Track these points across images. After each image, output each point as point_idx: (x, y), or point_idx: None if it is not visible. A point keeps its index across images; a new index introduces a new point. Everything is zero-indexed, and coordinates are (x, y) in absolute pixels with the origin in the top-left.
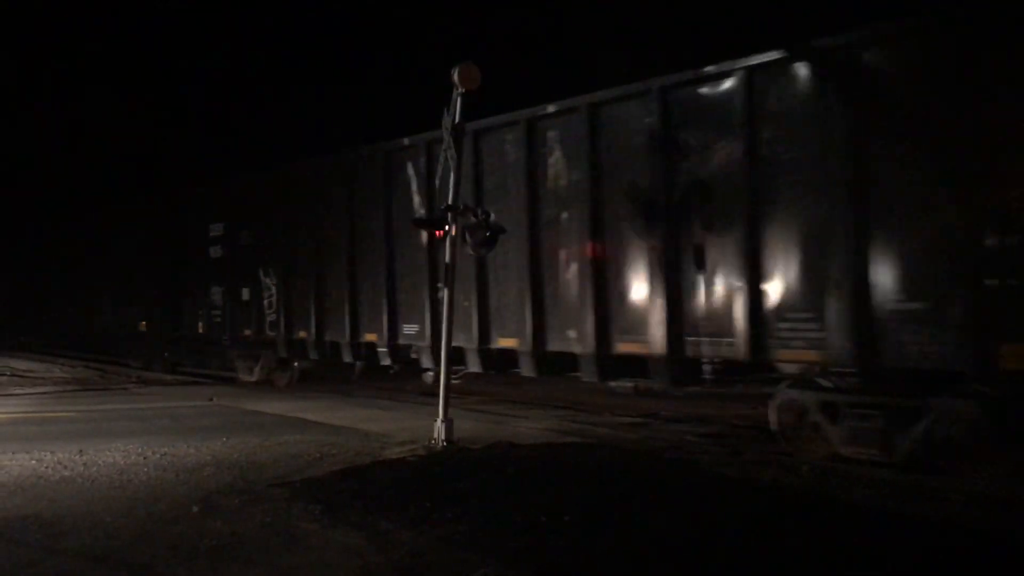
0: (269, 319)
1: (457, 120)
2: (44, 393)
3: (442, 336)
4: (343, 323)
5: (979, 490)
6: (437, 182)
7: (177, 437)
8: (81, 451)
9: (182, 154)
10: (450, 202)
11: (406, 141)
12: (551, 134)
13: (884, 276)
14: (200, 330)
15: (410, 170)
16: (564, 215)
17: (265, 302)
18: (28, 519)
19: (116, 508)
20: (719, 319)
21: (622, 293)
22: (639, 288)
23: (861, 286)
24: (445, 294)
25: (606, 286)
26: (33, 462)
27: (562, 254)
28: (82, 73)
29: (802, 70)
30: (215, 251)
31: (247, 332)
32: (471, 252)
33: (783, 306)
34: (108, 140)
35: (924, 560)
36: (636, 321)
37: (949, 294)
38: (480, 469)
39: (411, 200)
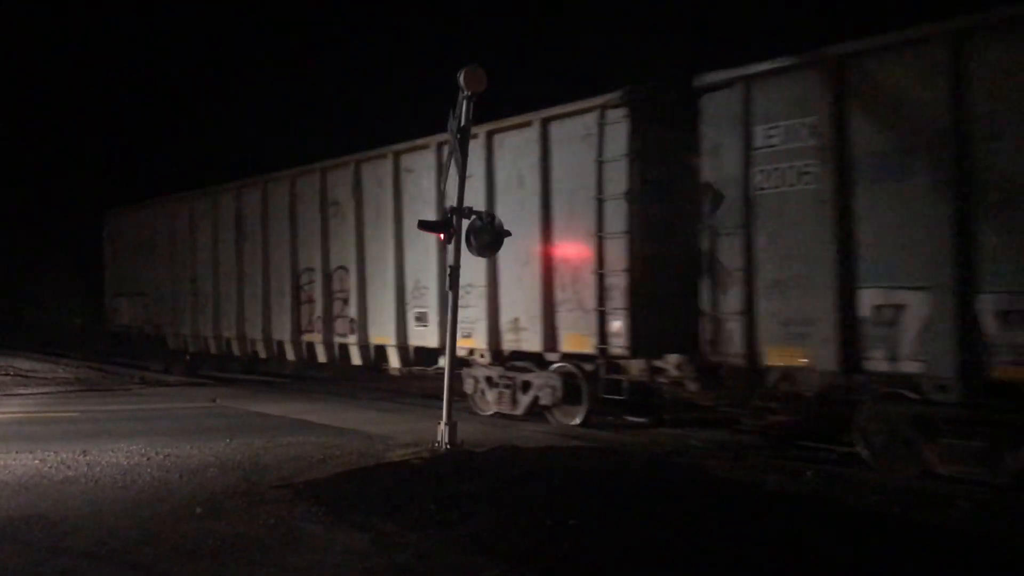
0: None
1: (463, 123)
2: (47, 393)
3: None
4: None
5: (987, 497)
6: (443, 184)
7: (180, 438)
8: (85, 451)
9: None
10: (455, 204)
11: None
12: None
13: None
14: None
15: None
16: None
17: None
18: (32, 519)
19: (120, 508)
20: None
21: None
22: None
23: None
24: (450, 297)
25: None
26: (37, 462)
27: None
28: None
29: None
30: None
31: None
32: (475, 255)
33: None
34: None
35: (931, 567)
36: None
37: None
38: (484, 472)
39: None
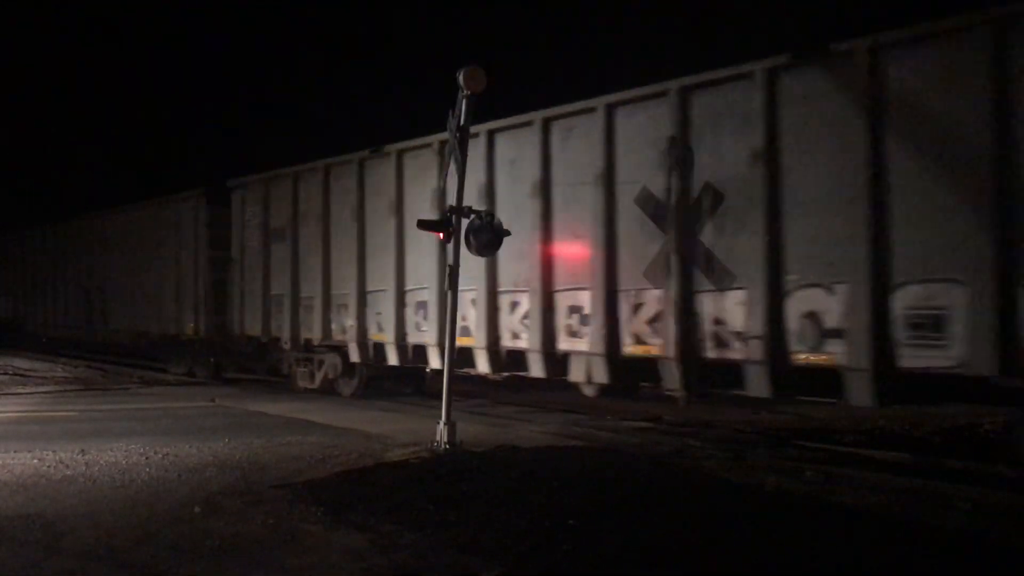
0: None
1: (463, 122)
2: (46, 392)
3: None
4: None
5: (986, 498)
6: (442, 184)
7: (179, 437)
8: (83, 450)
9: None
10: (455, 204)
11: None
12: None
13: None
14: None
15: None
16: None
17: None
18: (30, 518)
19: (118, 508)
20: None
21: None
22: None
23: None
24: (449, 296)
25: None
26: (35, 461)
27: None
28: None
29: None
30: None
31: None
32: (475, 255)
33: None
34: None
35: (931, 568)
36: None
37: None
38: (483, 472)
39: None
